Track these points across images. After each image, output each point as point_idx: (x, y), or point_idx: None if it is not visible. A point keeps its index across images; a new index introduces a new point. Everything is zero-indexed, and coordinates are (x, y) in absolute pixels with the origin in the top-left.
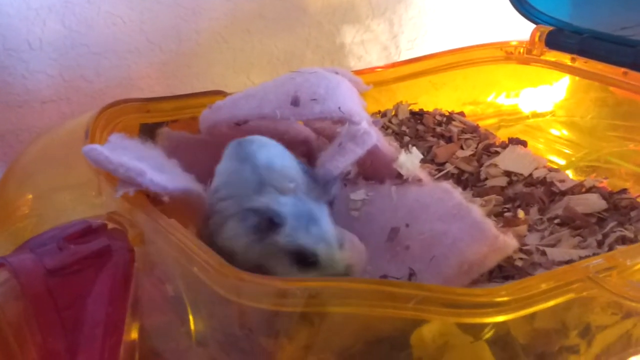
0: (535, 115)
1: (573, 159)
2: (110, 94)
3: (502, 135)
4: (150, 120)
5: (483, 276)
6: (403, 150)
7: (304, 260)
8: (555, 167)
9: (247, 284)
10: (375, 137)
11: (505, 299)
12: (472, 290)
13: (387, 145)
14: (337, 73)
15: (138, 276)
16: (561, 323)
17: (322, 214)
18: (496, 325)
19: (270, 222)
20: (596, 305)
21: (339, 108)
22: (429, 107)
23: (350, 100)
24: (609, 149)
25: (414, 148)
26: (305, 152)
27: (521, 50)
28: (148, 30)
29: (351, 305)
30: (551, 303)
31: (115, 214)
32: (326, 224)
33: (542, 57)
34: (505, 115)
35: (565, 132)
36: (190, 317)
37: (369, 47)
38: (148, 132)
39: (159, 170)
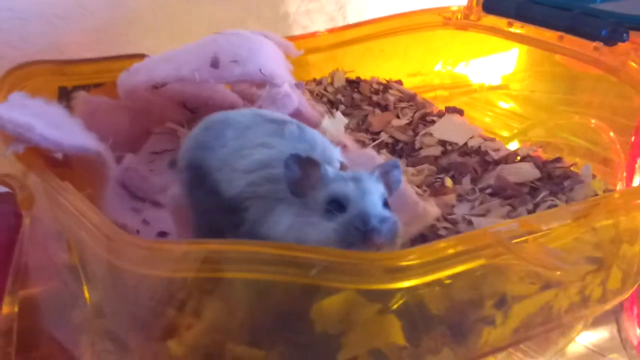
0: (483, 88)
1: (515, 130)
2: None
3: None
4: (69, 84)
5: (405, 245)
6: (327, 115)
7: (335, 206)
8: (499, 139)
9: (140, 250)
10: (297, 101)
11: (412, 262)
12: (377, 255)
13: (310, 109)
14: (265, 36)
15: (25, 242)
16: (477, 293)
17: (373, 181)
18: (408, 294)
19: (314, 180)
20: (512, 273)
21: (260, 70)
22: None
23: (273, 63)
24: (554, 121)
25: (338, 113)
26: None
27: (459, 16)
28: None
29: (250, 271)
30: (460, 268)
31: (5, 175)
32: (373, 185)
33: (480, 22)
34: (454, 88)
35: (512, 105)
36: (85, 287)
37: (314, 17)
38: (67, 96)
39: (54, 127)
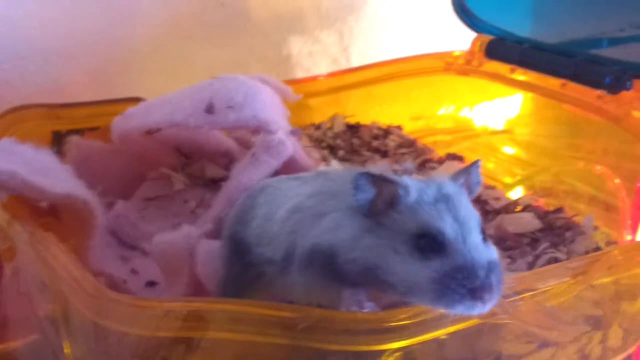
0: (486, 132)
1: (519, 177)
2: (37, 101)
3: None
4: (63, 128)
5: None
6: (323, 163)
7: (428, 244)
8: (501, 186)
9: (121, 307)
10: (292, 149)
11: (401, 323)
12: (364, 315)
13: (306, 158)
14: (264, 81)
15: (5, 294)
16: (471, 352)
17: (462, 198)
18: (398, 353)
19: (389, 199)
20: (508, 332)
21: (254, 116)
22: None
23: (269, 109)
24: (559, 167)
25: (334, 161)
26: (227, 164)
27: (461, 61)
28: (78, 34)
29: (233, 331)
30: (452, 328)
31: None
32: (467, 209)
33: (481, 68)
34: (457, 132)
35: (516, 150)
36: (65, 342)
37: (317, 59)
38: (61, 140)
39: (41, 175)
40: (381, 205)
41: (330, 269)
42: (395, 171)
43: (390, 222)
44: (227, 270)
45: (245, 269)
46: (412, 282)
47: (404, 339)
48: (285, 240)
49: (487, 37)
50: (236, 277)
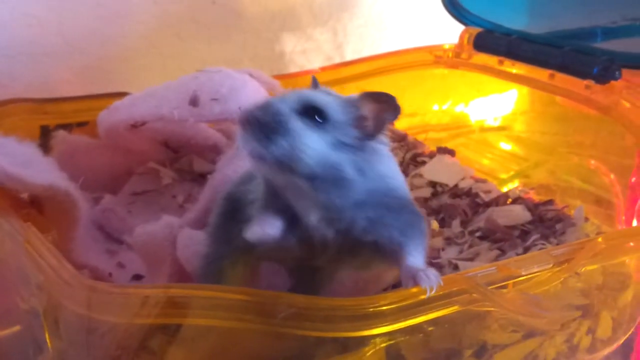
0: (481, 128)
1: (512, 172)
2: None
3: None
4: (51, 123)
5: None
6: None
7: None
8: (496, 182)
9: (98, 294)
10: None
11: (381, 308)
12: (345, 300)
13: None
14: (251, 74)
15: None
16: (455, 342)
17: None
18: (383, 343)
19: None
20: (492, 320)
21: (239, 109)
22: None
23: (255, 102)
24: (554, 162)
25: None
26: (215, 158)
27: (450, 54)
28: (67, 32)
29: (212, 317)
30: (433, 315)
31: None
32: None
33: (471, 61)
34: (452, 129)
35: (512, 146)
36: (47, 335)
37: (311, 56)
38: (49, 135)
39: (22, 166)
40: None
41: None
42: None
43: None
44: (214, 237)
45: (236, 229)
46: None
47: (386, 325)
48: None
49: (476, 30)
50: (225, 242)
